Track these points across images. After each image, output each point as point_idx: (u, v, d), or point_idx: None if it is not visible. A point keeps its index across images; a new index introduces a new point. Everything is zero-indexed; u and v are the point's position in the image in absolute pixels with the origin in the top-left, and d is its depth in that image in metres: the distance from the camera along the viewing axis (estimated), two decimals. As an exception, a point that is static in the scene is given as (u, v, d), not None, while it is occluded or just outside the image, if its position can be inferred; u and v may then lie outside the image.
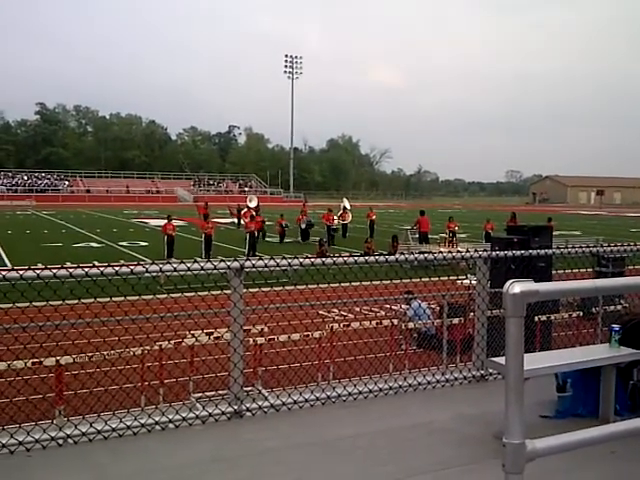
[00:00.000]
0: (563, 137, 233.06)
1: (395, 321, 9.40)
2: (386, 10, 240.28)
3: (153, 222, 41.52)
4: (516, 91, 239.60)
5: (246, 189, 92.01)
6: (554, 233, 12.72)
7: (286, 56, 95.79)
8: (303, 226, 30.02)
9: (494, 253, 5.85)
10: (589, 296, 8.14)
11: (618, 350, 4.63)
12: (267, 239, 29.90)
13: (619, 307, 9.16)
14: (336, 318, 11.31)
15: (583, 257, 6.10)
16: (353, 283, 5.77)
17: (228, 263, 4.46)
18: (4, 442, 3.87)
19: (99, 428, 4.13)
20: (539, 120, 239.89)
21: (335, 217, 30.48)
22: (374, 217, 32.41)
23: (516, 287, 2.00)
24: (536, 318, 8.76)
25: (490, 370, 5.45)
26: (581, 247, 6.09)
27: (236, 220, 36.92)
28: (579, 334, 8.75)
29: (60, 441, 4.02)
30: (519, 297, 1.99)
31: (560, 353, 5.02)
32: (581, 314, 9.79)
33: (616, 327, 4.76)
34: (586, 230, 39.52)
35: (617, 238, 29.69)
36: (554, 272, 9.32)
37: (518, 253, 5.80)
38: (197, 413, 4.49)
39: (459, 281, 11.15)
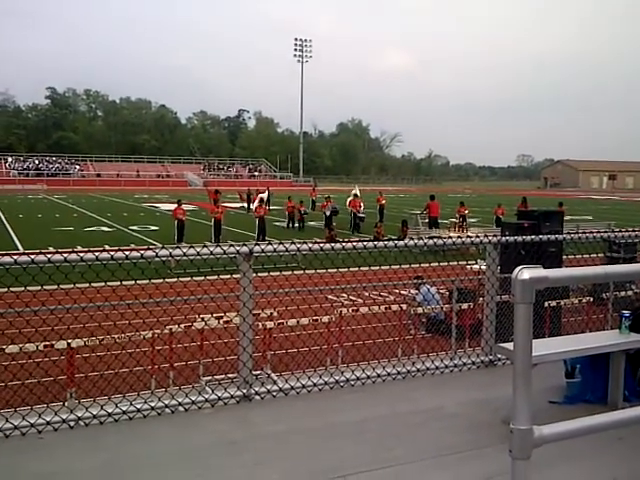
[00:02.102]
0: (575, 121, 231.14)
1: (404, 306, 9.41)
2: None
3: (163, 206, 41.66)
4: (528, 75, 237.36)
5: (256, 173, 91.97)
6: (565, 218, 12.64)
7: (296, 39, 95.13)
8: (328, 213, 28.62)
9: (504, 238, 5.81)
10: (599, 282, 8.09)
11: (628, 336, 4.61)
12: (278, 225, 29.69)
13: (630, 293, 9.11)
14: (345, 303, 11.33)
15: (594, 242, 6.06)
16: (362, 268, 5.75)
17: (237, 248, 4.47)
18: (16, 424, 3.92)
19: (110, 411, 4.17)
20: (551, 104, 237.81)
21: (362, 204, 29.33)
22: (384, 202, 32.26)
23: (525, 273, 1.99)
24: (546, 304, 8.73)
25: (499, 355, 5.45)
26: (592, 232, 6.05)
27: (246, 205, 36.94)
28: (589, 320, 8.72)
29: (71, 423, 4.07)
30: (528, 283, 1.98)
31: (569, 339, 5.00)
32: (591, 300, 9.74)
33: (626, 313, 4.73)
34: (598, 215, 39.22)
35: (629, 223, 29.44)
36: (565, 257, 9.28)
37: (528, 238, 5.77)
38: (206, 397, 4.52)
39: (469, 266, 11.12)
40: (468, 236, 19.41)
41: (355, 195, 29.77)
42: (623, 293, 9.16)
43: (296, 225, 29.32)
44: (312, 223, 30.17)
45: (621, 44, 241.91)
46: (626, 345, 4.54)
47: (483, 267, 6.24)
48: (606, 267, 2.32)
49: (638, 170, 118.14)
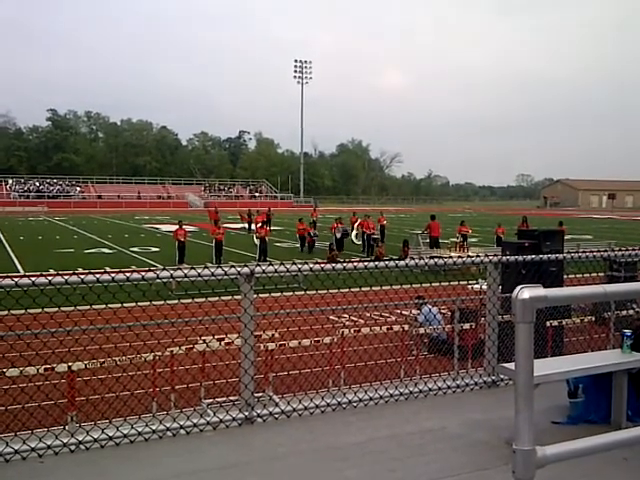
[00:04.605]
0: (574, 140, 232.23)
1: (406, 326, 9.38)
2: (397, 15, 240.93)
3: (164, 227, 41.72)
4: (527, 95, 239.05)
5: (256, 194, 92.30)
6: (565, 237, 12.66)
7: (296, 61, 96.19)
8: (338, 235, 27.81)
9: (504, 258, 5.82)
10: (600, 301, 8.08)
11: (630, 355, 4.59)
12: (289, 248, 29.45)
13: (631, 312, 9.09)
14: (346, 324, 11.30)
15: (595, 262, 6.07)
16: (363, 288, 5.75)
17: (238, 269, 4.47)
18: (16, 448, 3.89)
19: (110, 434, 4.15)
20: (550, 124, 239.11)
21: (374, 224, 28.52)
22: (384, 222, 32.28)
23: (525, 293, 2.00)
24: (548, 323, 8.72)
25: (502, 376, 5.42)
26: (592, 252, 6.06)
27: (247, 225, 37.02)
28: (591, 339, 8.69)
29: (72, 447, 4.04)
30: (528, 303, 1.99)
31: (572, 358, 4.98)
32: (593, 319, 9.72)
33: (628, 332, 4.72)
34: (598, 234, 39.26)
35: (629, 242, 29.47)
36: (566, 276, 9.27)
37: (529, 258, 5.77)
38: (208, 419, 4.50)
39: (470, 286, 11.12)
40: (469, 256, 19.39)
41: (366, 216, 29.54)
42: (625, 312, 9.14)
43: (305, 246, 28.38)
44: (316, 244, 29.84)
45: (624, 62, 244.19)
46: (628, 364, 4.52)
47: (484, 287, 6.24)
48: (606, 286, 2.32)
49: (637, 189, 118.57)
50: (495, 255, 6.05)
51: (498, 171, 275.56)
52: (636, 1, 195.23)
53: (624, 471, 3.80)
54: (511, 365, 4.23)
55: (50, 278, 3.89)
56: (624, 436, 2.19)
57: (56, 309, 4.36)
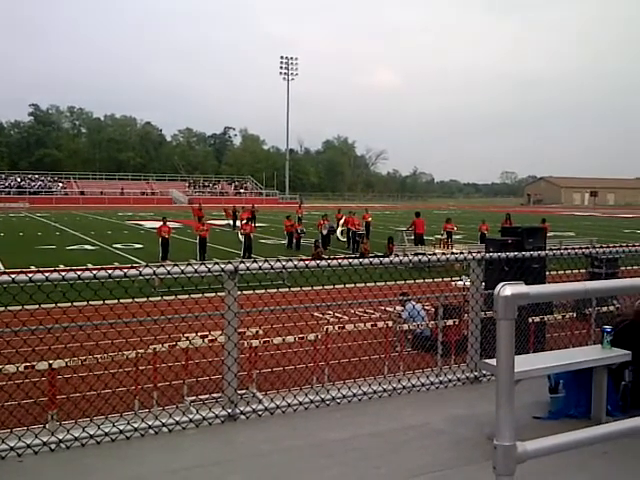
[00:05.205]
0: (558, 138, 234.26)
1: (390, 323, 9.41)
2: (383, 12, 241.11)
3: (148, 224, 41.45)
4: (510, 93, 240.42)
5: (241, 191, 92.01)
6: (548, 234, 12.77)
7: (282, 57, 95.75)
8: (325, 232, 27.67)
9: (487, 255, 5.86)
10: (580, 298, 8.16)
11: (610, 351, 4.65)
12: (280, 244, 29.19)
13: (612, 308, 9.19)
14: (331, 320, 11.31)
15: (577, 258, 6.12)
16: (348, 285, 5.76)
17: (222, 266, 4.45)
18: (-4, 447, 3.85)
19: (92, 433, 4.11)
20: (534, 121, 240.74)
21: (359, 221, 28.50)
22: (369, 219, 32.33)
23: (507, 289, 2.00)
24: (530, 319, 8.78)
25: (484, 372, 5.46)
26: (574, 249, 6.11)
27: (231, 222, 36.90)
28: (572, 335, 8.78)
29: (52, 446, 4.00)
30: (510, 299, 1.99)
31: (553, 354, 5.03)
32: (574, 315, 9.82)
33: (608, 328, 4.77)
34: (580, 231, 39.65)
35: (610, 239, 29.80)
36: (548, 273, 9.35)
37: (512, 255, 5.81)
38: (191, 417, 4.48)
39: (453, 283, 11.18)
40: (453, 253, 19.51)
41: (352, 212, 29.53)
42: (605, 308, 9.24)
43: (293, 243, 27.96)
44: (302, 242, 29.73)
45: (604, 61, 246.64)
46: (608, 360, 4.57)
47: (468, 283, 6.27)
48: (586, 283, 2.34)
49: (618, 187, 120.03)
50: (479, 252, 6.09)
51: (482, 168, 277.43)
52: (636, 1, 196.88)
53: (604, 465, 3.85)
54: (493, 361, 4.25)
55: (31, 275, 3.85)
56: (604, 431, 2.21)
57: (37, 306, 4.31)
